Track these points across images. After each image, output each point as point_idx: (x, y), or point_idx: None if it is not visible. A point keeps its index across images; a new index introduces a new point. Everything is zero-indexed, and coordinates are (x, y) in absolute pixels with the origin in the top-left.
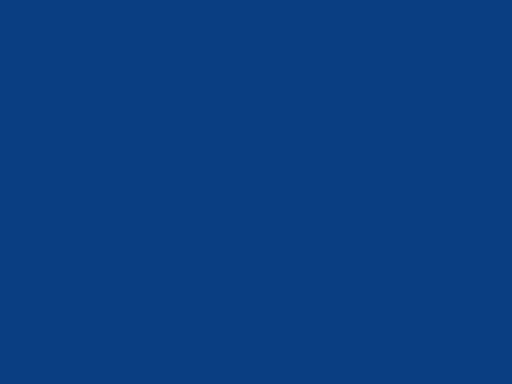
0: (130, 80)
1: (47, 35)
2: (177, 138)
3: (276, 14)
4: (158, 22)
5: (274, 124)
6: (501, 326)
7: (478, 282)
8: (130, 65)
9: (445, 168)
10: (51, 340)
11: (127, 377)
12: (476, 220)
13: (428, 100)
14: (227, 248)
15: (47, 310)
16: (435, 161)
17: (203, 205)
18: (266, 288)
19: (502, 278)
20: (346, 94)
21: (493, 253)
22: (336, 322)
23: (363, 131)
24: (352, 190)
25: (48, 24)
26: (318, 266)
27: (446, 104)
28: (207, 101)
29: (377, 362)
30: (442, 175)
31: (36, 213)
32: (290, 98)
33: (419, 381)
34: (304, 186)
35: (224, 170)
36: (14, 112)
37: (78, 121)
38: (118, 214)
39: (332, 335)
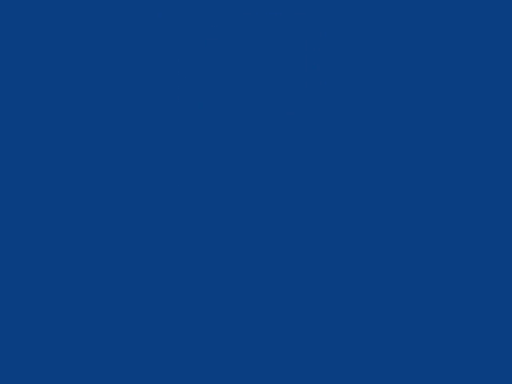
0: (130, 80)
1: (47, 35)
2: (177, 138)
3: (276, 14)
4: (157, 21)
5: (274, 124)
6: (501, 326)
7: (477, 282)
8: (130, 65)
9: (445, 168)
10: (51, 340)
11: (127, 377)
12: (476, 220)
13: (428, 100)
14: (227, 248)
15: (47, 310)
16: (435, 161)
17: (203, 205)
18: (266, 288)
19: (501, 278)
20: (345, 94)
21: (493, 253)
22: (336, 322)
23: (363, 131)
24: (352, 190)
25: (48, 24)
26: (318, 266)
27: (446, 104)
28: (207, 101)
29: (377, 362)
30: (442, 175)
31: (36, 213)
32: (290, 98)
33: (419, 381)
34: (304, 186)
35: (224, 171)
36: (14, 112)
37: (78, 121)
38: (118, 214)
39: (332, 335)
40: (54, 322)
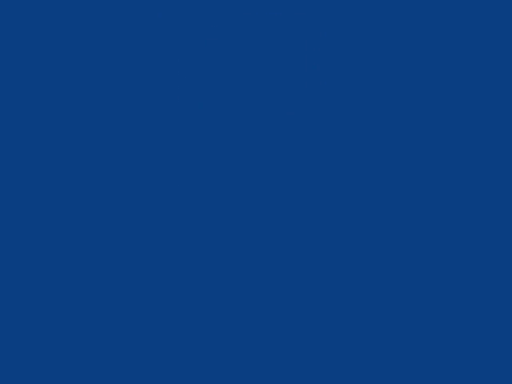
0: (130, 80)
1: (47, 35)
2: (177, 139)
3: (276, 14)
4: (157, 22)
5: (274, 124)
6: (501, 326)
7: (478, 282)
8: (130, 65)
9: (445, 168)
10: (51, 340)
11: (127, 377)
12: (476, 220)
13: (428, 100)
14: (227, 248)
15: (47, 310)
16: (435, 161)
17: (203, 205)
18: (266, 288)
19: (501, 278)
20: (345, 94)
21: (493, 253)
22: (336, 322)
23: (363, 131)
24: (352, 190)
25: (48, 24)
26: (318, 266)
27: (446, 104)
28: (207, 101)
29: (377, 362)
30: (442, 175)
31: (36, 213)
32: (290, 97)
33: (419, 381)
34: (304, 186)
35: (224, 170)
36: (14, 112)
37: (78, 121)
38: (118, 214)
39: (332, 335)
40: (54, 321)
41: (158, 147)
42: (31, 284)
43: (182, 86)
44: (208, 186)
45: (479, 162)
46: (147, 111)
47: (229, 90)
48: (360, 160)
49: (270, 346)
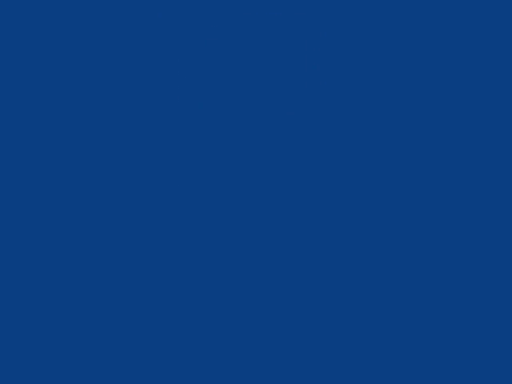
0: (130, 80)
1: (47, 35)
2: (177, 139)
3: (276, 14)
4: (157, 22)
5: (274, 124)
6: (501, 326)
7: (478, 282)
8: (130, 65)
9: (445, 168)
10: (51, 340)
11: (127, 377)
12: (476, 220)
13: (428, 100)
14: (227, 248)
15: (47, 310)
16: (435, 161)
17: (203, 205)
18: (266, 288)
19: (501, 278)
20: (346, 94)
21: (493, 253)
22: (336, 322)
23: (363, 131)
24: (352, 191)
25: (48, 24)
26: (318, 266)
27: (446, 104)
28: (207, 101)
29: (377, 362)
30: (442, 175)
31: (36, 213)
32: (290, 97)
33: (419, 381)
34: (304, 186)
35: (224, 170)
36: (14, 112)
37: (78, 121)
38: (118, 214)
39: (332, 335)
40: (54, 322)
41: (157, 147)
42: (31, 284)
43: (182, 85)
44: (208, 186)
45: (479, 162)
46: (147, 111)
47: (229, 90)
48: (360, 160)
49: (270, 346)
